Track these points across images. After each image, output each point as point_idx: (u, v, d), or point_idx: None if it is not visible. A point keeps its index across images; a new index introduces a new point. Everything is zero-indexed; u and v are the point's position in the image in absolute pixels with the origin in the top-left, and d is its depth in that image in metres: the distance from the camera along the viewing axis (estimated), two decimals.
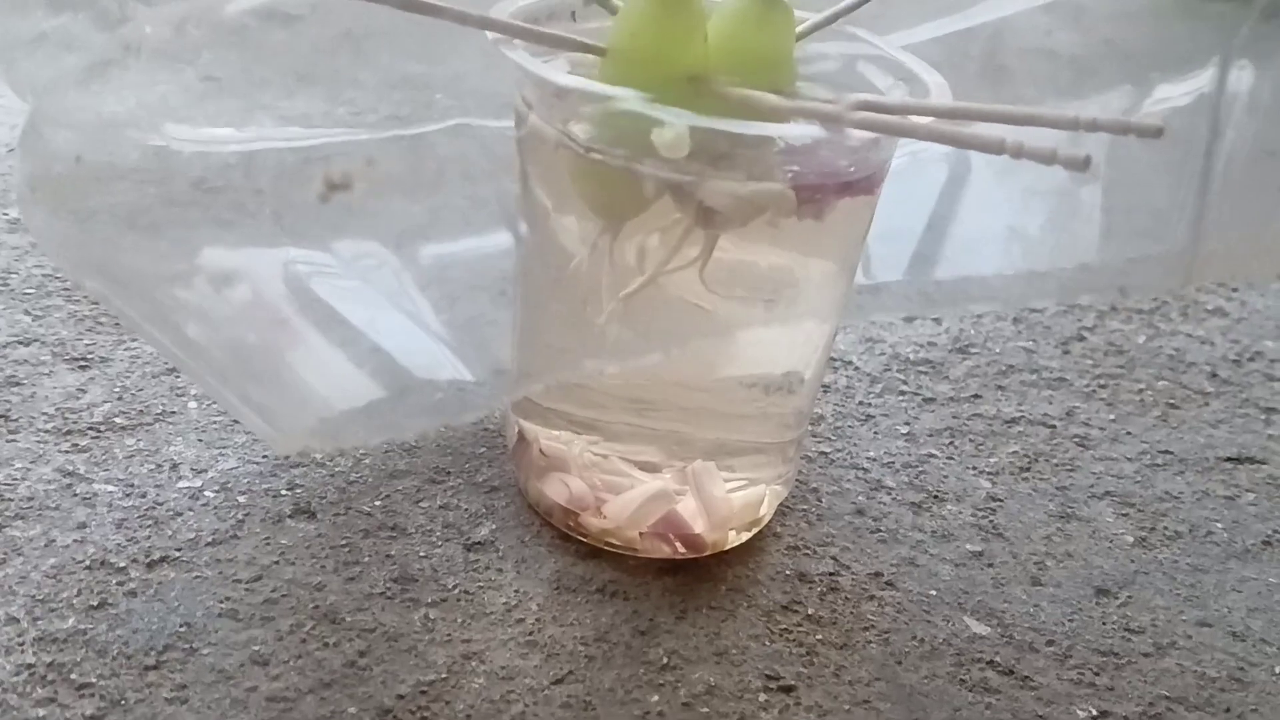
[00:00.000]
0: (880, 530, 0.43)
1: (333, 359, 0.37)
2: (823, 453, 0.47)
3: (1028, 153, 0.30)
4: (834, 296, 0.38)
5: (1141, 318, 0.60)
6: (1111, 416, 0.52)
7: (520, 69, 0.34)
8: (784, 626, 0.38)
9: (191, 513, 0.39)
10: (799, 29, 0.38)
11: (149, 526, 0.38)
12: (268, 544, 0.38)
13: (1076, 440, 0.50)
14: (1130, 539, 0.45)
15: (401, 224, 0.40)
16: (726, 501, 0.39)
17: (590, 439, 0.39)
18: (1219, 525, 0.46)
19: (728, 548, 0.41)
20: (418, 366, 0.38)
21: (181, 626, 0.35)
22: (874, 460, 0.47)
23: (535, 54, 0.38)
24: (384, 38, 0.42)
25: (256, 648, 0.35)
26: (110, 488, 0.39)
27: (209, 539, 0.38)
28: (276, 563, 0.37)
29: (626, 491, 0.39)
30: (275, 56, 0.40)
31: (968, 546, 0.43)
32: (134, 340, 0.46)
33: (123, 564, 0.37)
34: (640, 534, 0.39)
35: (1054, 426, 0.51)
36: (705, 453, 0.39)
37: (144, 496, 0.39)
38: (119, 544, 0.37)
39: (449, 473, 0.42)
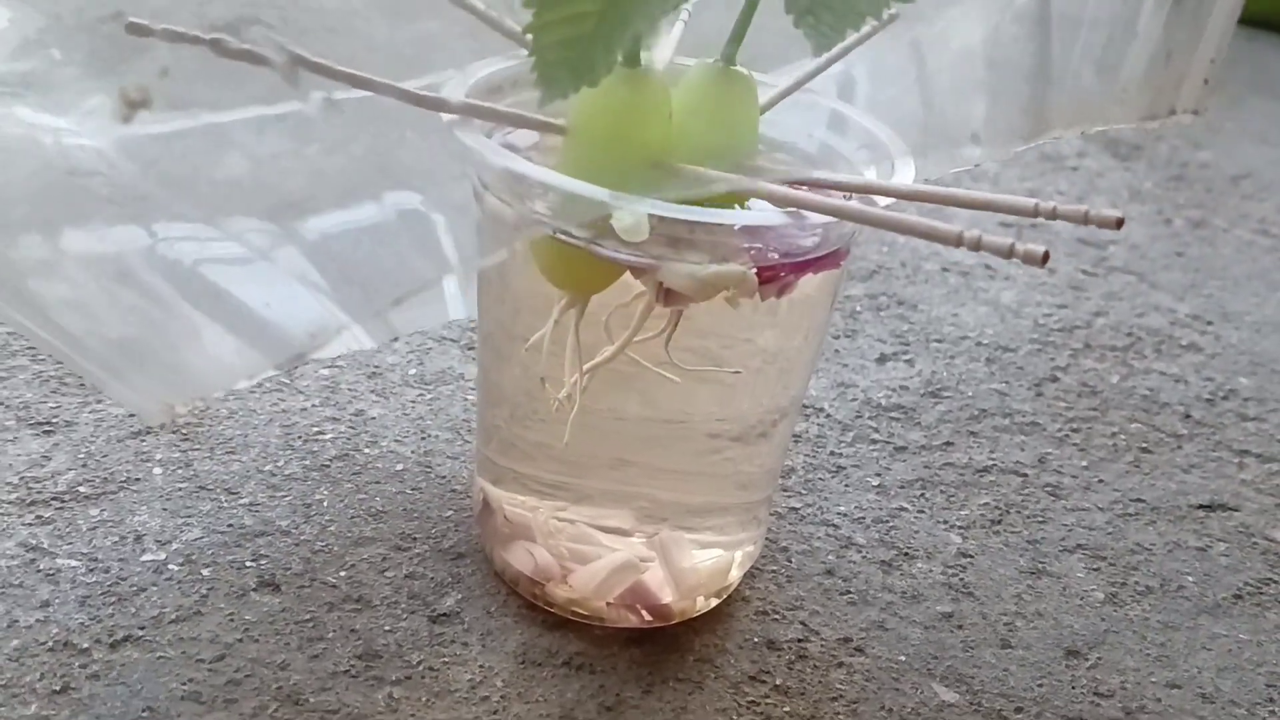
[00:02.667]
0: (850, 592, 0.43)
1: (217, 337, 0.35)
2: (793, 508, 0.47)
3: (986, 245, 0.29)
4: (802, 362, 0.38)
5: (1115, 355, 0.60)
6: (1084, 463, 0.52)
7: (475, 155, 0.34)
8: (751, 699, 0.38)
9: (155, 588, 0.38)
10: (763, 100, 0.37)
11: (112, 604, 0.38)
12: (232, 620, 0.38)
13: (1048, 489, 0.50)
14: (1101, 595, 0.45)
15: (283, 196, 0.38)
16: (694, 571, 0.39)
17: (556, 504, 0.39)
18: (1190, 579, 0.46)
19: (696, 614, 0.41)
20: (309, 337, 0.37)
21: (144, 711, 0.35)
22: (844, 515, 0.47)
23: (501, 126, 0.38)
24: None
25: None
26: (74, 562, 0.39)
27: (173, 616, 0.38)
28: (240, 640, 0.37)
29: (593, 561, 0.39)
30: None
31: (937, 608, 0.43)
32: (99, 402, 0.46)
33: (86, 645, 0.36)
34: (607, 604, 0.39)
35: (1026, 475, 0.51)
36: (676, 515, 0.39)
37: (108, 571, 0.39)
38: (82, 623, 0.37)
39: (415, 539, 0.42)
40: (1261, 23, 1.21)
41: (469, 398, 0.49)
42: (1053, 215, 0.30)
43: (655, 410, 0.37)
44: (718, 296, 0.34)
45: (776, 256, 0.35)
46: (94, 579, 0.38)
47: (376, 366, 0.50)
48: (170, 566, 0.39)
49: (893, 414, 0.53)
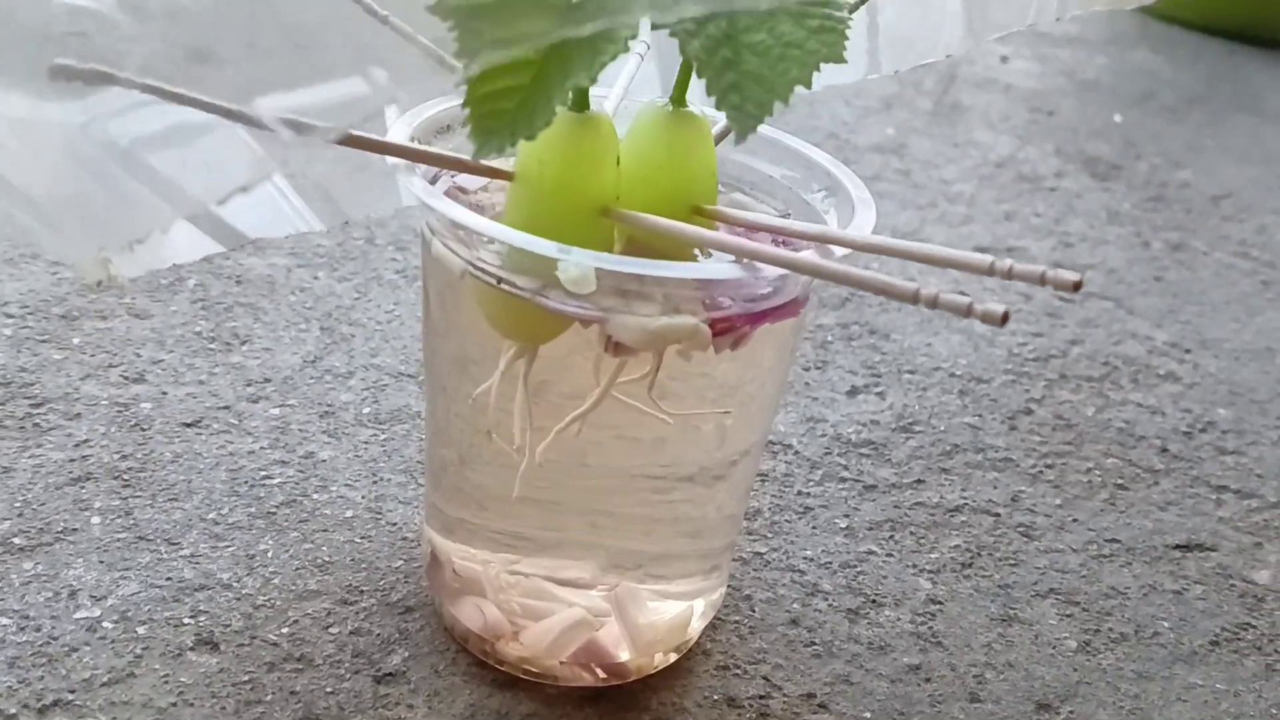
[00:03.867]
0: (815, 644, 0.42)
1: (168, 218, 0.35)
2: (758, 553, 0.45)
3: (943, 304, 0.28)
4: (759, 407, 0.37)
5: (1091, 386, 0.59)
6: (1058, 501, 0.51)
7: (421, 202, 0.32)
8: None
9: (88, 647, 0.37)
10: (717, 130, 0.36)
11: (42, 665, 0.36)
12: (166, 682, 0.36)
13: (1021, 530, 0.49)
14: (1074, 644, 0.43)
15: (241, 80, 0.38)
16: (652, 627, 0.38)
17: (509, 557, 0.38)
18: (1165, 624, 0.45)
19: (653, 671, 0.39)
20: (259, 224, 0.37)
21: None
22: (811, 560, 0.45)
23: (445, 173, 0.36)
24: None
25: None
26: (4, 620, 0.37)
27: (104, 678, 0.36)
28: (174, 704, 0.36)
29: (545, 618, 0.37)
30: None
31: (905, 659, 0.42)
32: (38, 446, 0.44)
33: (12, 710, 0.35)
34: (560, 662, 0.38)
35: (998, 515, 0.49)
36: (635, 564, 0.37)
37: (39, 630, 0.37)
38: (10, 686, 0.35)
39: (362, 591, 0.40)
40: (1241, 37, 1.20)
41: (424, 439, 0.48)
42: (1009, 275, 0.29)
43: (603, 461, 0.35)
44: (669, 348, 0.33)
45: (731, 304, 0.33)
46: (24, 638, 0.37)
47: (329, 405, 0.49)
48: (104, 624, 0.38)
49: (863, 450, 0.52)
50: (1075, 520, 0.50)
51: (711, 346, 0.33)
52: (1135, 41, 1.17)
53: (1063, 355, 0.61)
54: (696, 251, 0.34)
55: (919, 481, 0.50)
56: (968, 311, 0.28)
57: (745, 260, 0.31)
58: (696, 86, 0.33)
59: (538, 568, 0.37)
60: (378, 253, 0.60)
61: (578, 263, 0.30)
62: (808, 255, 0.31)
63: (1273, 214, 0.82)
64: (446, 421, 0.37)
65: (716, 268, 0.32)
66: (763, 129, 0.38)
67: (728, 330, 0.33)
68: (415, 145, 0.34)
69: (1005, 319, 0.27)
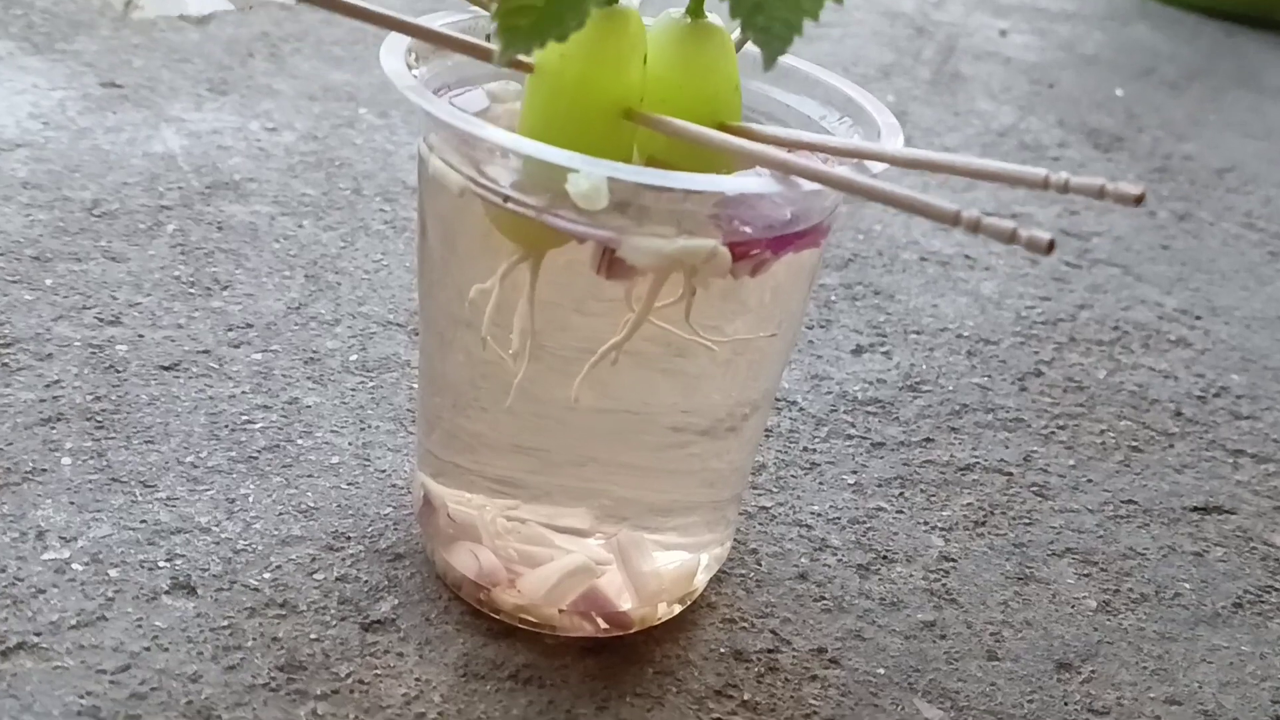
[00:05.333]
0: (824, 598, 0.40)
1: None
2: (763, 507, 0.43)
3: (986, 228, 0.26)
4: (775, 352, 0.35)
5: (1102, 349, 0.57)
6: (1071, 462, 0.49)
7: (422, 111, 0.30)
8: (716, 715, 0.35)
9: (56, 589, 0.35)
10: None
11: (6, 607, 0.34)
12: (139, 626, 0.34)
13: (1034, 490, 0.47)
14: (1093, 604, 0.42)
15: None
16: (656, 576, 0.36)
17: (507, 502, 0.35)
18: (1187, 585, 0.43)
19: (656, 622, 0.37)
20: None
21: None
22: (818, 515, 0.43)
23: (445, 90, 0.34)
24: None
25: None
26: None
27: (73, 621, 0.34)
28: (148, 649, 0.33)
29: (544, 565, 0.35)
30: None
31: (919, 615, 0.40)
32: (6, 386, 0.42)
33: None
34: (559, 611, 0.36)
35: (1010, 474, 0.47)
36: (637, 514, 0.35)
37: (4, 570, 0.35)
38: None
39: (349, 537, 0.38)
40: (1240, 18, 1.19)
41: (414, 386, 0.46)
42: (1065, 188, 0.27)
43: (615, 401, 0.33)
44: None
45: (749, 231, 0.31)
46: None
47: (314, 352, 0.46)
48: (74, 566, 0.35)
49: (869, 408, 0.50)
50: (1090, 481, 0.48)
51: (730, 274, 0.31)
52: (1132, 19, 1.15)
53: (1071, 319, 0.59)
54: None
55: (928, 440, 0.49)
56: (1011, 237, 0.26)
57: (778, 174, 0.29)
58: (716, 6, 0.31)
59: (537, 514, 0.35)
60: (365, 203, 0.58)
61: (590, 174, 0.28)
62: (846, 170, 0.29)
63: (1277, 187, 0.80)
64: (443, 362, 0.35)
65: (749, 181, 0.30)
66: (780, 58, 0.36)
67: (747, 256, 0.31)
68: (440, 29, 0.31)
69: (1051, 246, 0.25)
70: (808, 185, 0.29)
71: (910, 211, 0.27)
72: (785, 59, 0.36)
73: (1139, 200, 0.25)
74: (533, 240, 0.31)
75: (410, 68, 0.32)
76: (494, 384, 0.33)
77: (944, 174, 0.29)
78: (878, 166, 0.30)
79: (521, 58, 0.32)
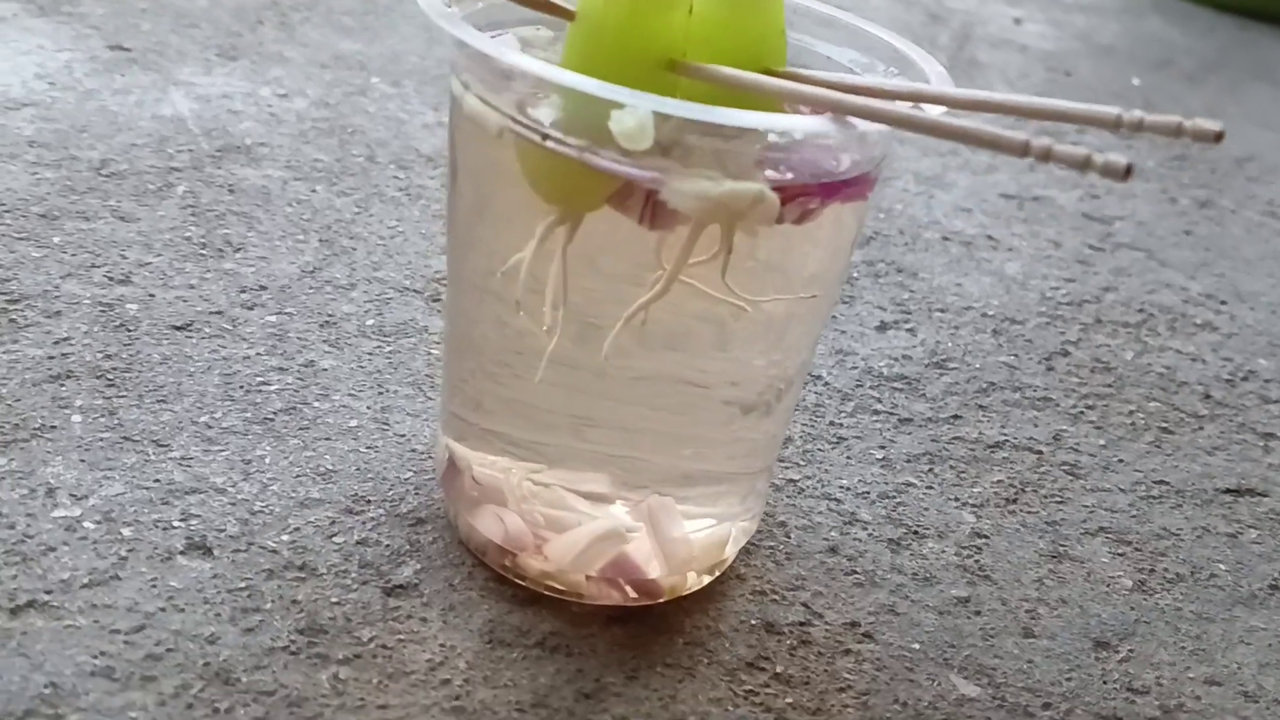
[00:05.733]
0: (855, 572, 0.38)
1: None
2: (791, 480, 0.42)
3: (1057, 156, 0.25)
4: (816, 316, 0.34)
5: (1129, 331, 0.56)
6: (1101, 442, 0.48)
7: (459, 43, 0.29)
8: (749, 688, 0.33)
9: (67, 547, 0.33)
10: None
11: (15, 564, 0.33)
12: (154, 586, 0.33)
13: (1065, 468, 0.46)
14: (1129, 582, 0.40)
15: None
16: (686, 543, 0.34)
17: (532, 466, 0.34)
18: (1222, 566, 0.42)
19: (686, 592, 0.36)
20: None
21: (46, 687, 0.29)
22: (847, 489, 0.42)
23: (479, 28, 0.33)
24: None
25: (134, 714, 0.29)
26: None
27: (85, 580, 0.32)
28: (163, 610, 0.32)
29: (571, 530, 0.34)
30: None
31: (952, 591, 0.38)
32: (14, 342, 0.40)
33: None
34: (587, 578, 0.34)
35: (1041, 452, 0.46)
36: (663, 481, 0.34)
37: (12, 528, 0.34)
38: None
39: (369, 501, 0.37)
40: (1255, 13, 1.18)
41: (432, 351, 0.44)
42: (1139, 127, 0.26)
43: (654, 368, 0.32)
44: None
45: (796, 177, 0.30)
46: None
47: (330, 315, 0.45)
48: (85, 524, 0.34)
49: (895, 384, 0.49)
50: (1121, 461, 0.47)
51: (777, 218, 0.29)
52: (1147, 11, 1.14)
53: (1096, 301, 0.58)
54: None
55: (956, 417, 0.47)
56: (1086, 163, 0.25)
57: (835, 115, 0.28)
58: None
59: (563, 480, 0.34)
60: (379, 170, 0.56)
61: (635, 110, 0.27)
62: (906, 108, 0.28)
63: None
64: (471, 325, 0.34)
65: (806, 121, 0.29)
66: (818, 7, 0.35)
67: (794, 201, 0.29)
68: None
69: (1129, 171, 0.24)
70: (864, 125, 0.27)
71: (975, 145, 0.26)
72: (826, 9, 0.35)
73: (1219, 138, 0.24)
74: (570, 197, 0.30)
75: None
76: (528, 351, 0.32)
77: (1008, 114, 0.28)
78: (934, 110, 0.29)
79: (560, 4, 0.31)
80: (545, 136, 0.29)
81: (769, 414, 0.34)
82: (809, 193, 0.29)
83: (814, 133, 0.29)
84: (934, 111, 0.28)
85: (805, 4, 0.35)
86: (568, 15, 0.30)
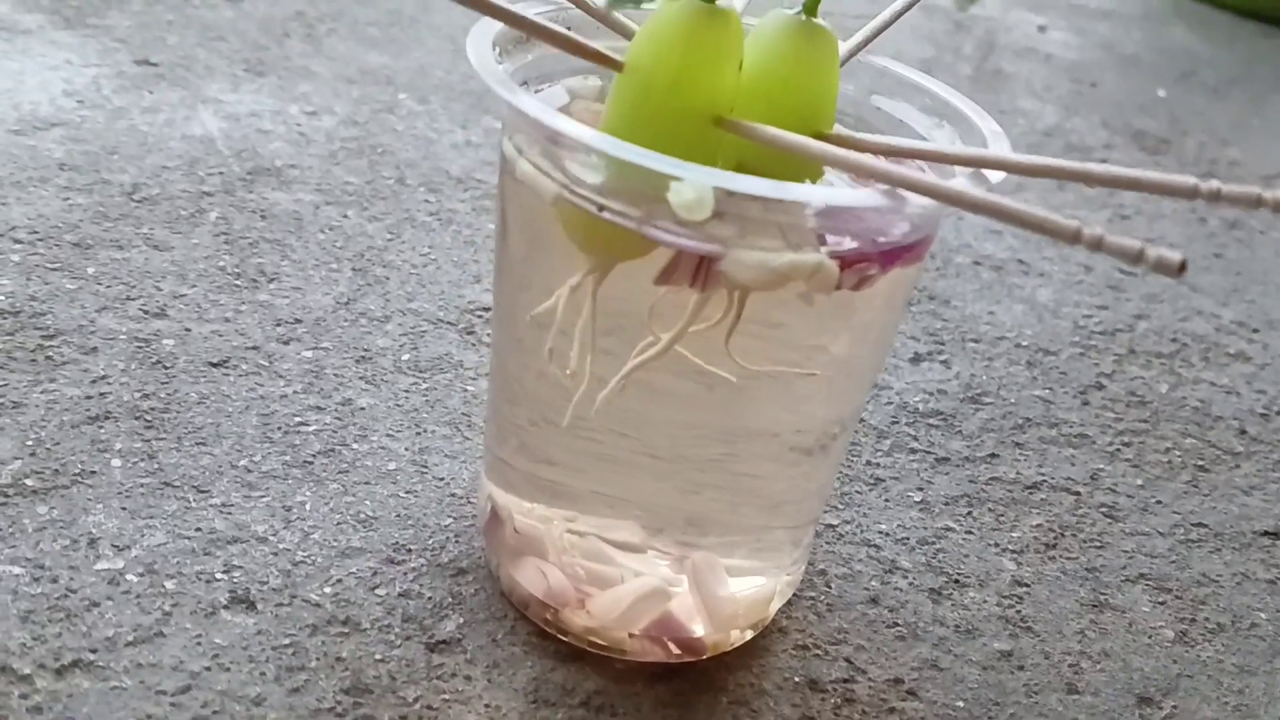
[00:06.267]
0: (898, 624, 0.38)
1: None
2: (830, 525, 0.42)
3: (1109, 247, 0.24)
4: (870, 366, 0.33)
5: (1162, 363, 0.56)
6: (1139, 481, 0.47)
7: (512, 109, 0.28)
8: None
9: (111, 602, 0.33)
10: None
11: (60, 621, 0.32)
12: (198, 644, 0.32)
13: (1104, 510, 0.45)
14: (1170, 633, 0.40)
15: None
16: (731, 601, 0.34)
17: (565, 514, 0.34)
18: (1262, 615, 0.42)
19: (729, 648, 0.36)
20: None
21: None
22: (886, 535, 0.42)
23: (526, 86, 0.33)
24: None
25: None
26: (16, 570, 0.33)
27: (129, 637, 0.32)
28: (208, 669, 0.32)
29: (614, 587, 0.34)
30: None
31: (995, 645, 0.38)
32: (51, 381, 0.40)
33: (27, 670, 0.31)
34: (630, 635, 0.34)
35: (1079, 493, 0.46)
36: (718, 534, 0.34)
37: (55, 581, 0.33)
38: (24, 643, 0.32)
39: (409, 550, 0.37)
40: (1273, 19, 1.17)
41: (469, 388, 0.44)
42: (1217, 198, 0.25)
43: (710, 417, 0.32)
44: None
45: (852, 244, 0.30)
46: (39, 590, 0.33)
47: (366, 350, 0.45)
48: (128, 577, 0.34)
49: (931, 420, 0.48)
50: (1159, 502, 0.47)
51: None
52: (1169, 19, 1.13)
53: (1129, 330, 0.58)
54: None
55: (993, 455, 0.47)
56: (1139, 257, 0.24)
57: (891, 189, 0.27)
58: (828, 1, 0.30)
59: (594, 528, 0.33)
60: (409, 193, 0.56)
61: (695, 182, 0.27)
62: (962, 184, 0.27)
63: None
64: (520, 371, 0.34)
65: (865, 196, 0.28)
66: (877, 60, 0.35)
67: (854, 270, 0.29)
68: (529, 16, 0.29)
69: (1184, 267, 0.24)
70: (919, 200, 0.27)
71: (1027, 228, 0.25)
72: (878, 60, 0.35)
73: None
74: (613, 250, 0.30)
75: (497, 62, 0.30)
76: (581, 399, 0.32)
77: (1077, 182, 0.28)
78: (995, 176, 0.28)
79: (609, 55, 0.30)
80: (601, 208, 0.28)
81: (819, 459, 0.34)
82: (868, 259, 0.29)
83: (870, 208, 0.28)
84: (994, 177, 0.28)
85: (865, 59, 0.34)
86: (616, 66, 0.30)
